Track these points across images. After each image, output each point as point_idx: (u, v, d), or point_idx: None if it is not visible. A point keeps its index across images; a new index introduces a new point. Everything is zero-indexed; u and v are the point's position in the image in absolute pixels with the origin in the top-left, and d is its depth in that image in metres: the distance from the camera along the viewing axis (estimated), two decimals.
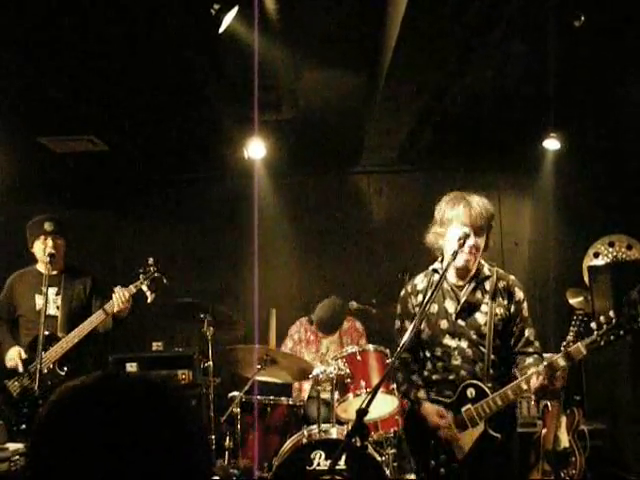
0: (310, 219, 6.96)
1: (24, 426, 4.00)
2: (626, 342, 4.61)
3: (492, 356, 3.19)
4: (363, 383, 4.35)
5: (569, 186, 6.69)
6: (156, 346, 6.16)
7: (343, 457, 3.93)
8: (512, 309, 3.24)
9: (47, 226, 4.35)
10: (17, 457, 3.66)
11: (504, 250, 6.55)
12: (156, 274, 4.36)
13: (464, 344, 3.21)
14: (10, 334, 4.41)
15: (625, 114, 5.61)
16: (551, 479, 4.53)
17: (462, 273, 3.26)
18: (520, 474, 4.54)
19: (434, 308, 3.28)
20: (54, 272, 4.32)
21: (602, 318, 3.00)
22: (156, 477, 0.98)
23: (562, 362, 3.04)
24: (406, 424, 3.47)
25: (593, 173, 6.67)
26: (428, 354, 3.32)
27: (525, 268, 6.69)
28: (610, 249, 6.57)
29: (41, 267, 4.43)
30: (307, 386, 5.15)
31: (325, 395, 4.58)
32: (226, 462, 4.56)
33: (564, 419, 4.72)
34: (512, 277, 3.33)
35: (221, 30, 3.70)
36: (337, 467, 3.92)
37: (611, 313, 3.00)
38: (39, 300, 4.30)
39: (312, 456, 4.07)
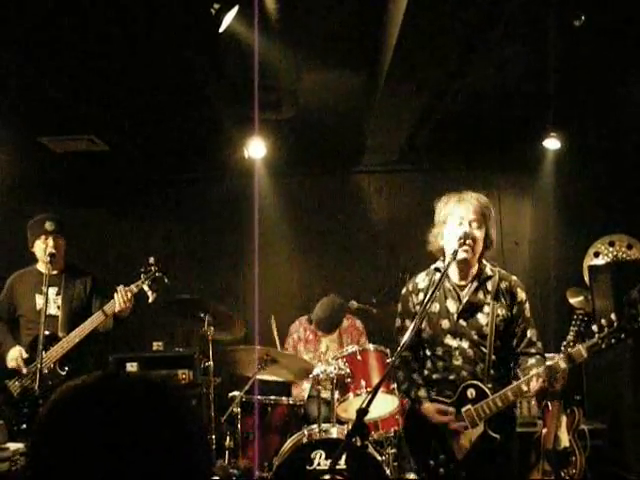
0: (310, 219, 6.96)
1: (24, 426, 4.00)
2: (627, 342, 4.61)
3: (493, 357, 3.19)
4: (363, 383, 4.35)
5: (569, 185, 6.69)
6: (156, 346, 6.16)
7: (343, 457, 3.92)
8: (514, 310, 3.24)
9: (48, 226, 4.34)
10: (17, 457, 3.66)
11: (504, 250, 6.54)
12: (157, 274, 4.36)
13: (465, 344, 3.21)
14: (11, 334, 4.41)
15: (625, 113, 5.61)
16: (551, 479, 4.53)
17: (463, 269, 3.25)
18: (520, 474, 4.54)
19: (435, 307, 3.28)
20: (54, 272, 4.32)
21: (603, 321, 2.99)
22: (156, 477, 0.98)
23: (563, 364, 3.04)
24: (406, 423, 3.47)
25: (593, 172, 6.67)
26: (429, 353, 3.31)
27: (525, 268, 6.69)
28: (610, 249, 6.57)
29: (41, 267, 4.43)
30: (306, 385, 5.14)
31: (325, 395, 4.58)
32: (226, 462, 4.56)
33: (564, 419, 4.72)
34: (514, 278, 3.33)
35: (221, 30, 3.69)
36: (337, 467, 3.92)
37: (613, 316, 2.99)
38: (39, 300, 4.30)
39: (312, 456, 4.07)
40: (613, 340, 2.97)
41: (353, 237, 6.94)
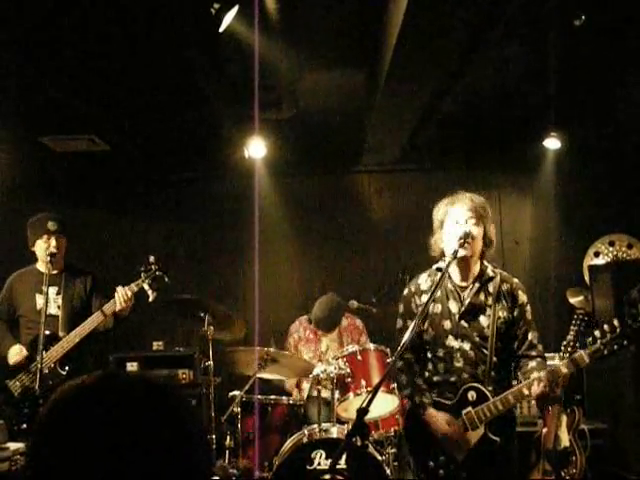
0: (310, 218, 6.96)
1: (25, 425, 4.00)
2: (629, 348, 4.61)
3: (494, 359, 3.18)
4: (364, 382, 4.35)
5: (570, 185, 6.69)
6: (156, 345, 6.16)
7: (343, 456, 3.92)
8: (516, 312, 3.24)
9: (50, 225, 4.33)
10: (18, 457, 3.66)
11: (504, 249, 6.55)
12: (157, 272, 4.35)
13: (466, 346, 3.20)
14: (11, 334, 4.41)
15: (625, 114, 5.60)
16: (552, 479, 4.52)
17: (464, 269, 3.25)
18: (520, 474, 4.54)
19: (437, 308, 3.27)
20: (54, 271, 4.32)
21: (606, 327, 2.99)
22: (156, 477, 0.98)
23: (565, 369, 3.04)
24: (406, 424, 3.46)
25: (594, 172, 6.67)
26: (430, 355, 3.31)
27: (525, 267, 6.69)
28: (610, 248, 6.57)
29: (41, 266, 4.42)
30: (306, 384, 5.15)
31: (325, 394, 4.58)
32: (227, 461, 4.56)
33: (564, 418, 4.71)
34: (516, 280, 3.33)
35: (221, 30, 3.69)
36: (338, 466, 3.92)
37: (615, 322, 2.98)
38: (39, 300, 4.30)
39: (313, 455, 4.07)
40: (616, 346, 2.97)
41: (353, 237, 6.94)
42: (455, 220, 3.20)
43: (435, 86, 4.80)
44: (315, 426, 4.29)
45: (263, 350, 4.53)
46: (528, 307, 3.28)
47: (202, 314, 4.73)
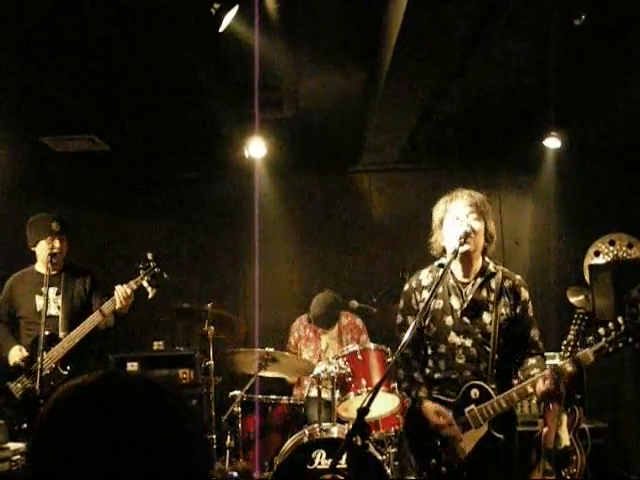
0: (311, 218, 6.97)
1: (25, 425, 4.00)
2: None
3: (496, 356, 3.17)
4: (364, 382, 4.36)
5: (570, 185, 6.69)
6: (157, 345, 6.16)
7: (344, 456, 3.92)
8: (518, 309, 3.22)
9: (54, 226, 4.32)
10: (18, 457, 3.65)
11: (505, 248, 6.55)
12: (156, 269, 4.34)
13: (468, 342, 3.19)
14: (11, 335, 4.40)
15: (626, 113, 5.60)
16: (552, 478, 4.53)
17: (466, 264, 3.24)
18: (521, 473, 4.54)
19: (439, 304, 3.26)
20: (54, 272, 4.31)
21: (611, 324, 2.98)
22: (156, 477, 0.98)
23: (569, 368, 3.02)
24: (407, 422, 3.45)
25: (594, 172, 6.67)
26: (431, 352, 3.29)
27: (526, 267, 6.69)
28: (611, 248, 6.57)
29: (40, 267, 4.42)
30: (306, 382, 5.16)
31: (326, 394, 4.59)
32: (227, 461, 4.57)
33: (565, 418, 4.71)
34: (518, 277, 3.32)
35: (221, 29, 3.69)
36: (338, 466, 3.92)
37: (620, 319, 2.98)
38: (39, 301, 4.29)
39: (313, 455, 4.07)
40: (620, 344, 2.96)
41: (353, 236, 6.94)
42: (455, 216, 3.19)
43: (435, 86, 4.80)
44: (316, 426, 4.30)
45: (263, 350, 4.53)
46: (530, 304, 3.27)
47: (203, 314, 4.73)
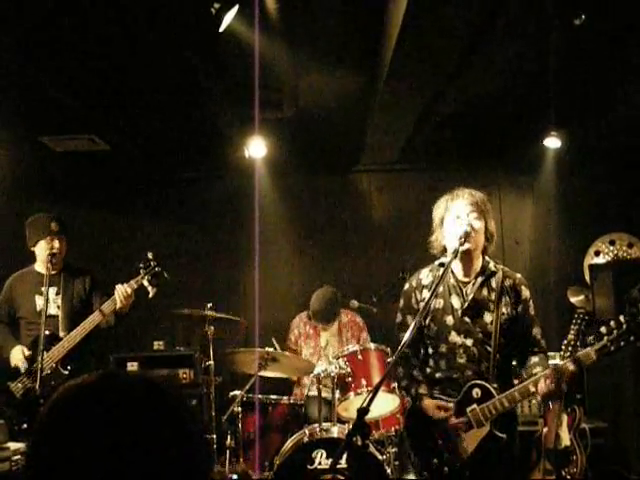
0: (310, 217, 6.97)
1: (25, 425, 4.00)
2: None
3: (497, 355, 3.17)
4: (364, 382, 4.36)
5: (570, 184, 6.69)
6: (157, 345, 6.16)
7: (344, 456, 3.92)
8: (519, 308, 3.22)
9: (54, 226, 4.33)
10: (18, 457, 3.65)
11: (505, 248, 6.55)
12: (157, 269, 4.34)
13: (469, 342, 3.18)
14: (12, 335, 4.40)
15: (625, 113, 5.60)
16: (552, 478, 4.52)
17: (467, 263, 3.24)
18: (521, 473, 4.54)
19: (439, 304, 3.25)
20: (53, 272, 4.31)
21: (612, 323, 2.97)
22: (156, 477, 0.98)
23: (571, 367, 3.02)
24: (408, 422, 3.44)
25: (594, 171, 6.67)
26: (431, 351, 3.29)
27: (526, 266, 6.69)
28: (611, 247, 6.57)
29: (40, 267, 4.42)
30: (306, 380, 5.16)
31: (326, 394, 4.59)
32: (227, 461, 4.56)
33: (565, 417, 4.71)
34: (518, 275, 3.31)
35: (221, 29, 3.69)
36: (338, 466, 3.92)
37: (621, 318, 2.97)
38: (39, 301, 4.29)
39: (313, 455, 4.07)
40: (622, 343, 2.96)
41: (353, 236, 6.94)
42: (456, 215, 3.19)
43: (435, 86, 4.80)
44: (316, 426, 4.30)
45: (263, 350, 4.53)
46: (531, 302, 3.26)
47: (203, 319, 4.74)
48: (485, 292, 3.23)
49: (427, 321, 3.27)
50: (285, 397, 4.92)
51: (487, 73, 4.88)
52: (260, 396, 4.69)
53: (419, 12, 3.57)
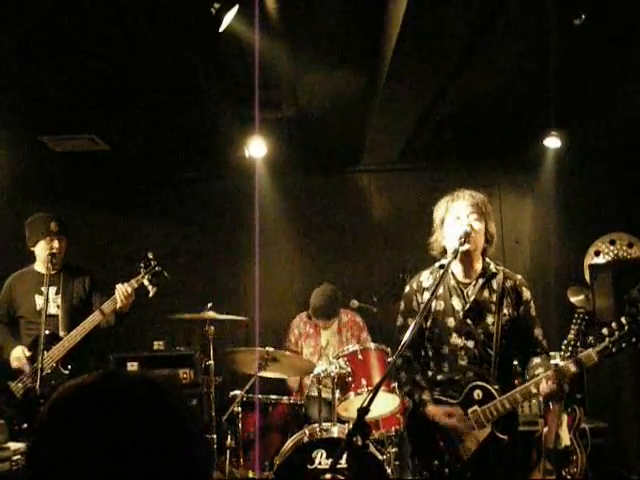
0: (310, 217, 6.97)
1: (26, 425, 4.00)
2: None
3: (498, 357, 3.16)
4: (364, 382, 4.36)
5: (570, 184, 6.69)
6: (157, 345, 6.16)
7: (344, 456, 3.92)
8: (520, 309, 3.22)
9: (54, 226, 4.33)
10: (18, 456, 3.65)
11: (505, 248, 6.55)
12: (157, 268, 4.34)
13: (470, 344, 3.18)
14: (11, 336, 4.41)
15: (626, 113, 5.60)
16: (552, 478, 4.53)
17: (467, 264, 3.23)
18: (521, 473, 4.53)
19: (440, 306, 3.25)
20: (53, 271, 4.31)
21: (614, 325, 2.97)
22: (156, 477, 0.98)
23: (573, 368, 3.01)
24: (409, 423, 3.43)
25: (594, 171, 6.67)
26: (432, 353, 3.28)
27: (526, 266, 6.69)
28: (611, 247, 6.57)
29: (39, 267, 4.42)
30: (307, 381, 5.16)
31: (326, 394, 4.59)
32: (227, 461, 4.56)
33: (565, 417, 4.72)
34: (519, 276, 3.31)
35: (221, 29, 3.69)
36: (338, 466, 3.92)
37: (623, 320, 2.97)
38: (39, 300, 4.30)
39: (313, 455, 4.07)
40: (624, 344, 2.95)
41: (353, 236, 6.94)
42: (456, 216, 3.19)
43: (435, 86, 4.80)
44: (316, 425, 4.30)
45: (263, 350, 4.53)
46: (532, 303, 3.26)
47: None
48: (486, 294, 3.22)
49: (428, 323, 3.26)
50: (285, 397, 4.93)
51: (487, 73, 4.88)
52: (260, 396, 4.69)
53: (419, 12, 3.57)
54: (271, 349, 4.59)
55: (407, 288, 3.43)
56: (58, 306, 4.37)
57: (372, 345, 4.61)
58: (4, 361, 4.29)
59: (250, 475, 4.56)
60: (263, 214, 6.30)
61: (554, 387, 2.99)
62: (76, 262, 4.65)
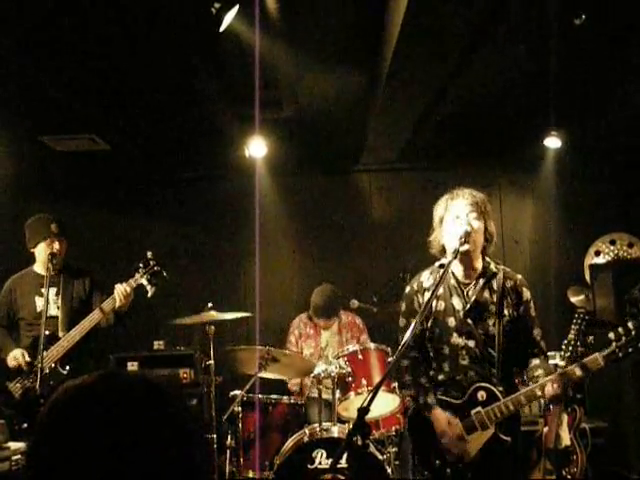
0: (311, 217, 6.97)
1: (25, 425, 4.00)
2: None
3: (501, 357, 3.15)
4: (364, 381, 4.36)
5: (570, 184, 6.69)
6: (157, 345, 6.16)
7: (344, 456, 3.92)
8: (521, 309, 3.21)
9: (54, 228, 4.33)
10: (18, 456, 3.65)
11: (505, 248, 6.55)
12: (156, 268, 4.34)
13: (471, 343, 3.17)
14: (10, 337, 4.40)
15: (625, 113, 5.60)
16: (553, 478, 4.52)
17: (467, 264, 3.23)
18: (522, 473, 4.53)
19: (441, 306, 3.24)
20: (53, 272, 4.30)
21: (620, 329, 2.97)
22: (156, 477, 0.98)
23: (579, 372, 3.01)
24: (410, 424, 3.42)
25: (594, 171, 6.67)
26: (434, 353, 3.28)
27: (526, 266, 6.69)
28: (611, 247, 6.57)
29: (39, 268, 4.42)
30: (307, 381, 5.16)
31: (326, 394, 4.59)
32: (227, 461, 4.55)
33: (565, 417, 4.71)
34: (519, 276, 3.30)
35: (221, 29, 3.69)
36: (338, 466, 3.92)
37: (630, 324, 2.96)
38: (39, 302, 4.30)
39: (313, 455, 4.07)
40: (630, 349, 2.95)
41: (353, 236, 6.95)
42: (456, 215, 3.18)
43: (436, 85, 4.80)
44: (316, 425, 4.30)
45: (264, 349, 4.52)
46: (532, 304, 3.25)
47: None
48: (487, 294, 3.22)
49: (429, 324, 3.26)
50: (285, 397, 4.92)
51: (487, 73, 4.88)
52: (260, 396, 4.69)
53: (420, 11, 3.57)
54: (272, 348, 4.59)
55: (408, 289, 3.42)
56: (58, 307, 4.37)
57: (372, 345, 4.61)
58: (2, 362, 4.29)
59: (250, 475, 4.55)
60: (263, 214, 6.30)
61: (559, 390, 2.99)
62: (76, 263, 4.65)
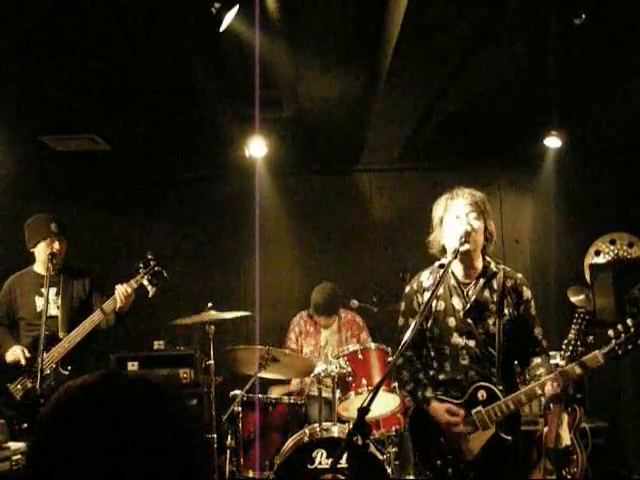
0: (311, 217, 6.97)
1: (26, 425, 3.99)
2: None
3: (501, 356, 3.15)
4: (364, 381, 4.36)
5: (570, 184, 6.69)
6: (157, 345, 6.16)
7: (344, 456, 3.92)
8: (521, 309, 3.21)
9: (54, 227, 4.32)
10: (18, 456, 3.65)
11: (505, 248, 6.55)
12: (156, 268, 4.34)
13: (472, 343, 3.17)
14: (10, 336, 4.40)
15: (626, 113, 5.60)
16: (553, 478, 4.52)
17: (467, 264, 3.22)
18: (523, 473, 4.53)
19: (441, 305, 3.24)
20: (53, 272, 4.30)
21: (620, 327, 2.97)
22: (156, 477, 0.98)
23: (578, 370, 3.01)
24: (412, 423, 3.41)
25: (594, 171, 6.67)
26: (434, 353, 3.27)
27: (526, 266, 6.69)
28: (611, 247, 6.57)
29: (39, 268, 4.42)
30: (307, 380, 5.16)
31: (326, 394, 4.58)
32: (227, 461, 4.55)
33: (566, 417, 4.71)
34: (519, 275, 3.30)
35: (222, 29, 3.69)
36: (339, 466, 3.92)
37: (629, 322, 2.97)
38: (39, 301, 4.29)
39: (314, 455, 4.07)
40: (630, 346, 2.95)
41: (354, 235, 6.95)
42: (455, 215, 3.18)
43: (436, 85, 4.80)
44: (316, 425, 4.29)
45: (264, 349, 4.52)
46: (532, 303, 3.25)
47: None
48: (487, 294, 3.22)
49: (429, 324, 3.26)
50: (285, 397, 4.92)
51: (488, 72, 4.88)
52: (260, 396, 4.69)
53: (420, 10, 3.57)
54: (272, 348, 4.59)
55: (407, 288, 3.42)
56: (58, 307, 4.37)
57: (372, 345, 4.61)
58: (3, 362, 4.29)
59: (250, 475, 4.55)
60: (263, 214, 6.30)
61: (559, 389, 2.99)
62: (76, 263, 4.65)
